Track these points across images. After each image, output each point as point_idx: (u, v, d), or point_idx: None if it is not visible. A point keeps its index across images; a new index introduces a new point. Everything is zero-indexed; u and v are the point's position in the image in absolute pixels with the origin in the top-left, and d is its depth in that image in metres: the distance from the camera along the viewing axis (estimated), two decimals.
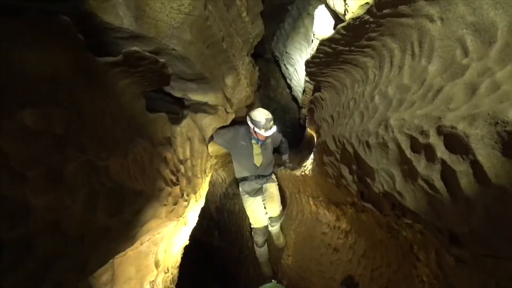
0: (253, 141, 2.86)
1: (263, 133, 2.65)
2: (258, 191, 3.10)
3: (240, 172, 3.06)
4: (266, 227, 3.19)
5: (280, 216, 3.18)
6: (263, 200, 3.16)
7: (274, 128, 2.70)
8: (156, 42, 1.86)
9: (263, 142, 2.84)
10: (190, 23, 1.87)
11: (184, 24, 1.85)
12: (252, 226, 3.21)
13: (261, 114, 2.63)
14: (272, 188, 3.14)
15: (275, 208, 3.10)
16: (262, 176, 3.07)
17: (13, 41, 1.07)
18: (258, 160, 2.91)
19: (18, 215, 1.00)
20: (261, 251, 3.27)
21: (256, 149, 2.87)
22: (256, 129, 2.66)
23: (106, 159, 1.36)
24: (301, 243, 3.30)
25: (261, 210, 3.13)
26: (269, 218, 3.18)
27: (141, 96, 1.78)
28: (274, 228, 3.37)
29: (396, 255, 2.04)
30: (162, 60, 1.68)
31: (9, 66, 1.05)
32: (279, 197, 3.20)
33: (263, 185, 3.12)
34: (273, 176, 3.27)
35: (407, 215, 1.24)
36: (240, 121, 3.10)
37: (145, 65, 1.58)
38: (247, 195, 3.09)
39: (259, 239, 3.14)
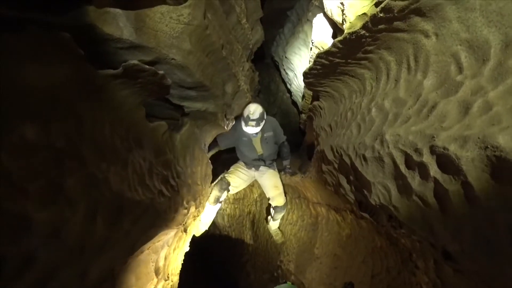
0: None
1: (243, 126, 2.66)
2: (255, 165, 3.13)
3: (242, 157, 3.16)
4: (228, 184, 3.08)
5: (284, 205, 3.16)
6: (265, 190, 3.21)
7: (255, 129, 2.66)
8: (156, 52, 1.88)
9: (256, 135, 2.84)
10: (190, 33, 1.89)
11: (184, 34, 1.87)
12: (222, 176, 3.16)
13: (247, 110, 2.62)
14: (274, 177, 3.15)
15: (280, 196, 3.11)
16: (263, 160, 3.10)
17: (14, 57, 1.09)
18: (259, 150, 2.95)
19: (19, 229, 1.02)
20: (210, 209, 3.05)
21: (256, 142, 2.90)
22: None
23: (106, 171, 1.38)
24: (301, 248, 3.31)
25: (243, 179, 3.16)
26: (274, 207, 3.18)
27: (141, 106, 1.80)
28: (274, 224, 3.39)
29: (395, 261, 2.05)
30: (161, 71, 1.70)
31: (10, 81, 1.07)
32: (282, 186, 3.20)
33: (262, 168, 3.14)
34: (275, 165, 3.27)
35: (403, 227, 1.26)
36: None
37: (144, 76, 1.60)
38: (242, 163, 3.18)
39: (215, 192, 2.99)
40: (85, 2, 1.51)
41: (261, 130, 2.77)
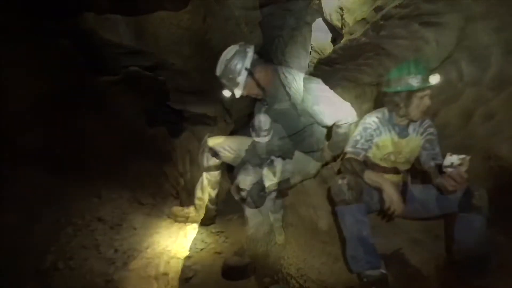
0: None
1: (254, 137, 2.68)
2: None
3: None
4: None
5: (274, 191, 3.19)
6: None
7: (266, 139, 2.69)
8: (156, 57, 1.87)
9: None
10: (189, 38, 1.89)
11: (184, 39, 1.86)
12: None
13: (257, 120, 2.61)
14: (276, 162, 3.20)
15: (272, 177, 3.15)
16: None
17: (14, 67, 1.09)
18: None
19: None
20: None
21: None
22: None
23: (106, 178, 1.38)
24: (302, 251, 3.29)
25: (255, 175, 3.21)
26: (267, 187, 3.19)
27: (141, 112, 1.79)
28: (276, 220, 3.37)
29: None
30: (161, 77, 1.69)
31: (9, 90, 1.07)
32: (282, 172, 3.24)
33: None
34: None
35: (405, 233, 1.25)
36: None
37: (144, 83, 1.60)
38: None
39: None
40: (85, 9, 1.51)
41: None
